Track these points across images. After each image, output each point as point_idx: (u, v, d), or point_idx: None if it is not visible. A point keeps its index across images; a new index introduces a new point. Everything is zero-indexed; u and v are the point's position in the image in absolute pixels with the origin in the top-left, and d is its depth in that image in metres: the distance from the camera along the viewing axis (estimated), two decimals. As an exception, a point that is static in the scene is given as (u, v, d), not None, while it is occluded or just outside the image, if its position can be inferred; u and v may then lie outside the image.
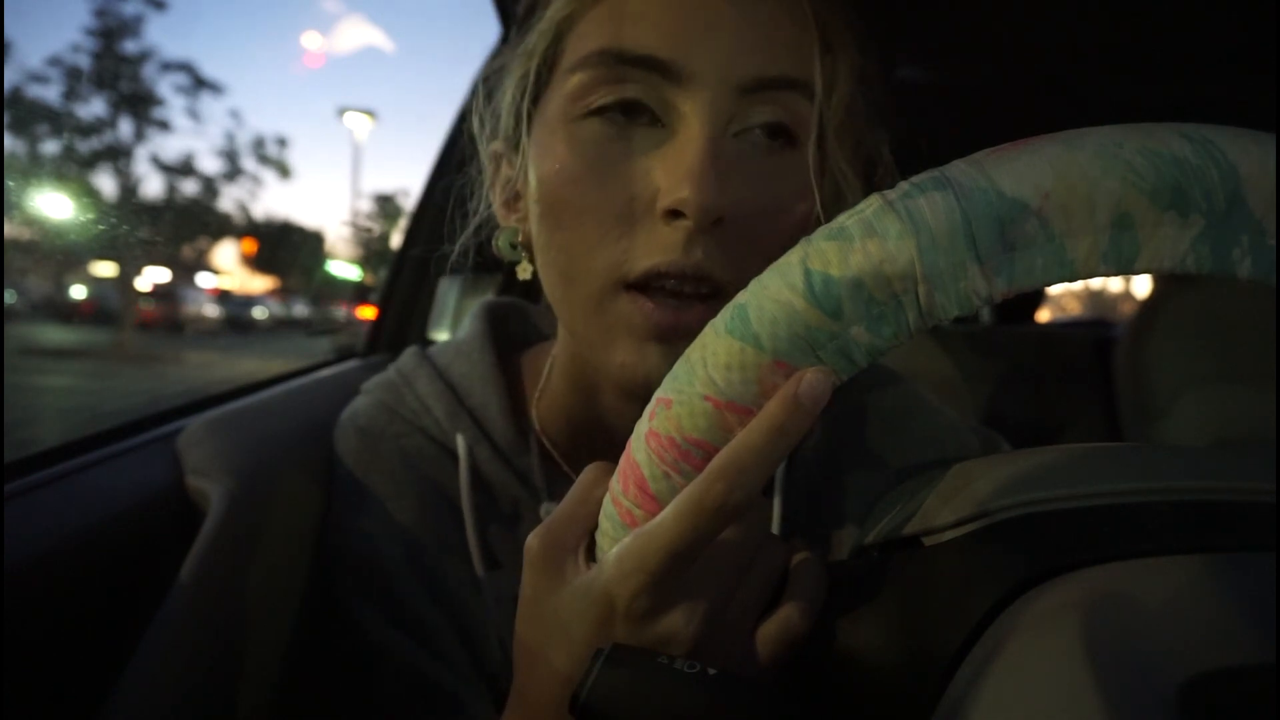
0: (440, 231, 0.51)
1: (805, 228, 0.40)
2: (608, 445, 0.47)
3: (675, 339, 0.38)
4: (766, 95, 0.38)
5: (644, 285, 0.37)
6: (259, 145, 7.61)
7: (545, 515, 0.47)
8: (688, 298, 0.37)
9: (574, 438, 0.49)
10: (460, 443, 0.48)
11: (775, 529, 0.47)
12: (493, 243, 0.47)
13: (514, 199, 0.46)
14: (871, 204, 0.24)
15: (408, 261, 1.05)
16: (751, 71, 0.37)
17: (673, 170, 0.36)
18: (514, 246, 0.46)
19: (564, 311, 0.42)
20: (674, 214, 0.36)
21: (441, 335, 1.09)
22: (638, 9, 0.38)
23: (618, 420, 0.46)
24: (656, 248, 0.37)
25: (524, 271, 0.46)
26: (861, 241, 0.24)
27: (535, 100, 0.42)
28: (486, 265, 0.50)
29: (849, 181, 0.42)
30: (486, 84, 0.46)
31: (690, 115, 0.37)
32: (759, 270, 0.39)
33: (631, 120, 0.38)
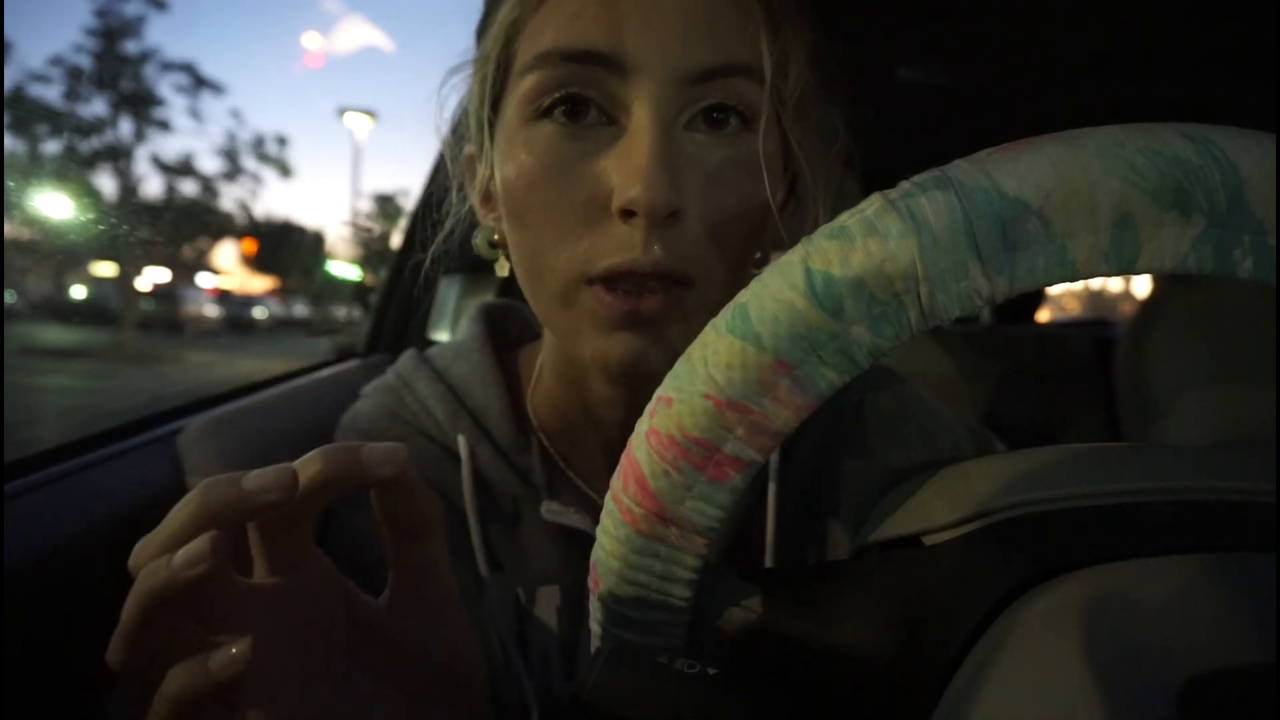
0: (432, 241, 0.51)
1: (764, 213, 0.40)
2: (599, 438, 0.48)
3: (639, 324, 0.38)
4: (714, 85, 0.38)
5: (606, 280, 0.38)
6: (259, 144, 7.62)
7: (546, 514, 0.47)
8: (650, 288, 0.37)
9: (568, 432, 0.49)
10: (462, 443, 0.48)
11: (770, 528, 0.47)
12: (472, 241, 0.47)
13: (489, 198, 0.46)
14: (873, 203, 0.24)
15: (407, 263, 1.05)
16: (697, 62, 0.37)
17: (623, 170, 0.36)
18: (492, 245, 0.46)
19: (535, 305, 0.43)
20: (628, 213, 0.36)
21: (441, 335, 1.09)
22: (580, 6, 0.37)
23: (608, 411, 0.46)
24: (615, 246, 0.37)
25: (501, 269, 0.46)
26: (863, 240, 0.23)
27: (495, 106, 0.42)
28: (482, 263, 0.50)
29: (808, 161, 0.42)
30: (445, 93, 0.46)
31: (638, 110, 0.37)
32: (723, 259, 0.39)
33: (582, 120, 0.38)
